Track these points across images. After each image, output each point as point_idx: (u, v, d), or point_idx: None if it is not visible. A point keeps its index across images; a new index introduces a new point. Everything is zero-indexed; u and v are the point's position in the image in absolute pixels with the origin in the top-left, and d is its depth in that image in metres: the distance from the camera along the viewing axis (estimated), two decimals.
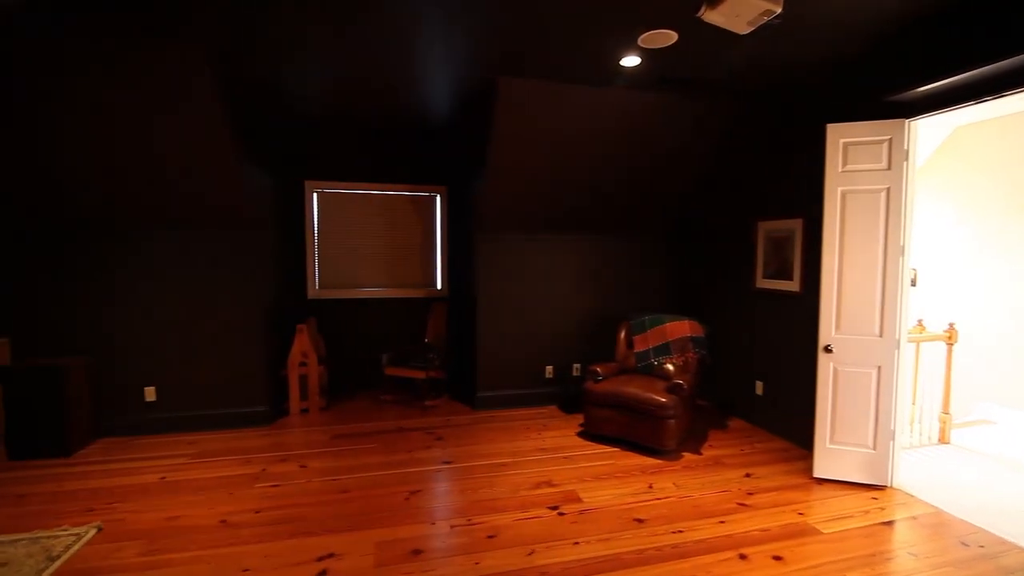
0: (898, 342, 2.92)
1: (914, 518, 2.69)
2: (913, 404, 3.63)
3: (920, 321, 3.66)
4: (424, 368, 4.51)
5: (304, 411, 4.42)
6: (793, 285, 3.68)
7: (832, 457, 3.09)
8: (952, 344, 3.63)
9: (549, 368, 4.72)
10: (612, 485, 3.07)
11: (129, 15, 2.51)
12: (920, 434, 3.66)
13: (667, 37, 2.76)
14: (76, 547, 2.39)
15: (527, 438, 3.84)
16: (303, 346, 4.31)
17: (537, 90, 3.46)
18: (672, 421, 3.43)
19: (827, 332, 3.05)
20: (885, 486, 3.01)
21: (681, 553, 2.39)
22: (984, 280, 4.17)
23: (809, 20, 2.61)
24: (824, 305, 3.05)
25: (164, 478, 3.15)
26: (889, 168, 2.87)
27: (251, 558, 2.34)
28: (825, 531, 2.57)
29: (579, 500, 2.89)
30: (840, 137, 2.94)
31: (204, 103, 3.12)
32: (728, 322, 4.44)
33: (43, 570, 2.20)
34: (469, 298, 4.76)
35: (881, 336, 2.94)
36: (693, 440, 3.80)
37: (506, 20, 2.59)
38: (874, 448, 3.00)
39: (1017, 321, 3.96)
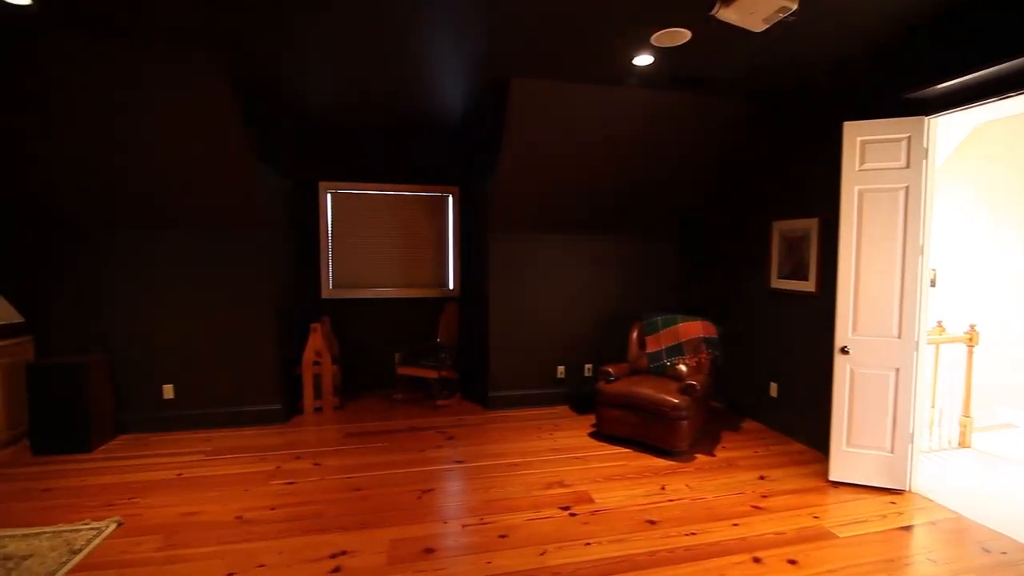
0: (917, 344, 2.87)
1: (933, 523, 2.64)
2: (932, 407, 3.56)
3: (940, 322, 3.58)
4: (436, 368, 4.53)
5: (318, 410, 4.47)
6: (809, 285, 3.64)
7: (848, 460, 3.04)
8: (973, 346, 3.56)
9: (561, 368, 4.71)
10: (624, 486, 3.06)
11: (147, 22, 2.56)
12: (940, 438, 3.59)
13: (680, 36, 2.74)
14: (97, 541, 2.44)
15: (539, 438, 3.84)
16: (317, 345, 4.36)
17: (549, 90, 3.46)
18: (685, 422, 3.40)
19: (844, 333, 3.00)
20: (903, 490, 2.96)
21: (694, 555, 2.37)
22: (1007, 280, 4.07)
23: (825, 16, 2.58)
24: (841, 306, 3.00)
25: (181, 474, 3.21)
26: (908, 166, 2.82)
27: (266, 554, 2.37)
28: (841, 535, 2.54)
29: (591, 501, 2.88)
30: (857, 135, 2.90)
31: (220, 107, 3.17)
32: (742, 323, 4.39)
33: (66, 563, 2.26)
34: (481, 298, 4.77)
35: (900, 338, 2.89)
36: (706, 441, 3.77)
37: (519, 20, 2.60)
38: (892, 451, 2.95)
39: None
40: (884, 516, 2.71)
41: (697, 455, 3.52)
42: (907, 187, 2.83)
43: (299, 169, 4.85)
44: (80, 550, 2.36)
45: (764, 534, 2.55)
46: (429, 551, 2.40)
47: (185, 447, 3.65)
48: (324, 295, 5.03)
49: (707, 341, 3.98)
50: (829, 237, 3.47)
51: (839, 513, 2.74)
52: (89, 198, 3.61)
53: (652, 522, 2.65)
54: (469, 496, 2.94)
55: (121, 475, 3.20)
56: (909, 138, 2.81)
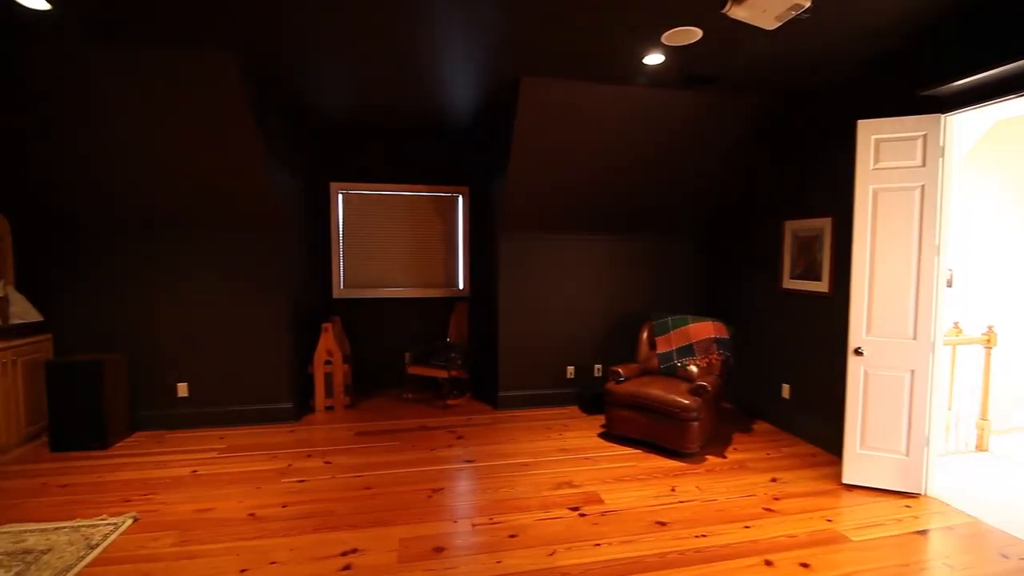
0: (933, 345, 2.82)
1: (950, 528, 2.60)
2: (949, 410, 3.50)
3: (956, 323, 3.52)
4: (446, 367, 4.54)
5: (329, 408, 4.51)
6: (822, 286, 3.59)
7: (862, 463, 3.00)
8: (991, 347, 3.49)
9: (570, 368, 4.70)
10: (634, 487, 3.05)
11: (161, 23, 2.60)
12: (956, 441, 3.53)
13: (691, 34, 2.72)
14: (114, 536, 2.49)
15: (548, 438, 3.84)
16: (328, 345, 4.40)
17: (560, 89, 3.45)
18: (695, 423, 3.38)
19: (858, 334, 2.96)
20: (919, 494, 2.91)
21: (705, 558, 2.35)
22: None
23: (838, 14, 2.54)
24: (855, 306, 2.96)
25: (195, 471, 3.25)
26: (924, 165, 2.78)
27: (278, 551, 2.40)
28: (855, 539, 2.50)
29: (601, 501, 2.88)
30: (872, 133, 2.86)
31: (233, 107, 3.20)
32: (753, 323, 4.35)
33: (83, 557, 2.30)
34: (491, 298, 4.78)
35: (915, 339, 2.85)
36: (717, 443, 3.74)
37: (530, 20, 2.60)
38: (907, 454, 2.91)
39: None
40: (899, 520, 2.67)
41: (708, 456, 3.50)
42: (923, 186, 2.79)
43: (311, 169, 4.90)
44: (97, 545, 2.41)
45: (776, 537, 2.52)
46: (439, 550, 2.41)
47: (200, 444, 3.70)
48: (335, 295, 5.07)
49: (718, 342, 3.95)
50: (843, 237, 3.43)
51: (853, 516, 2.71)
52: (107, 200, 3.68)
53: (662, 523, 2.64)
54: (479, 496, 2.95)
55: (137, 471, 3.25)
56: (925, 136, 2.76)
